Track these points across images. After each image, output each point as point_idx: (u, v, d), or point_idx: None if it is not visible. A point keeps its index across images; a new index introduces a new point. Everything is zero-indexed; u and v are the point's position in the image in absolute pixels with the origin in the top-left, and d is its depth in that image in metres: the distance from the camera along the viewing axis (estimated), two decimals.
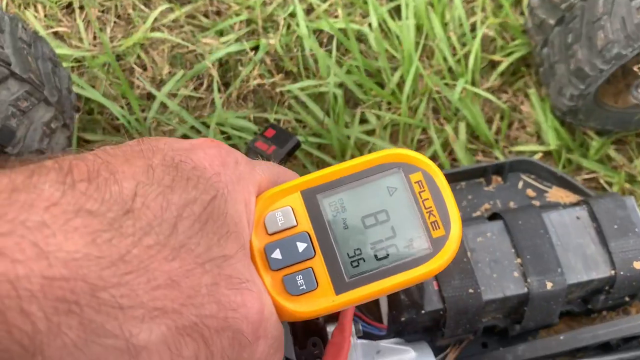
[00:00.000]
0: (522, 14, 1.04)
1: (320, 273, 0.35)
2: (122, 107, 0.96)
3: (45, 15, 1.03)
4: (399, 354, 0.61)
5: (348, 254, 0.36)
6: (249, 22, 1.04)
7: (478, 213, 0.79)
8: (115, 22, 1.04)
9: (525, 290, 0.62)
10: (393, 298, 0.64)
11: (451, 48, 1.01)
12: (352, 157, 0.92)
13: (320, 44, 1.02)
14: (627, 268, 0.63)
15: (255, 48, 1.01)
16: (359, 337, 0.61)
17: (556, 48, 0.86)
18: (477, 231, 0.65)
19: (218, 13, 1.06)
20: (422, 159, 0.37)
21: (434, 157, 0.94)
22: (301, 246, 0.36)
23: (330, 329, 0.61)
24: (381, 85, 0.99)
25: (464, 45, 1.02)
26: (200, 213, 0.30)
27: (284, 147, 0.76)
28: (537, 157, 0.93)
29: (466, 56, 1.00)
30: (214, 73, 0.98)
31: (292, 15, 1.03)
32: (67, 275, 0.23)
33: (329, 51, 1.01)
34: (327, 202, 0.37)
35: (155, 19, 1.03)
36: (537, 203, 0.79)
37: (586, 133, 0.95)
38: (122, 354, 0.25)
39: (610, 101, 0.90)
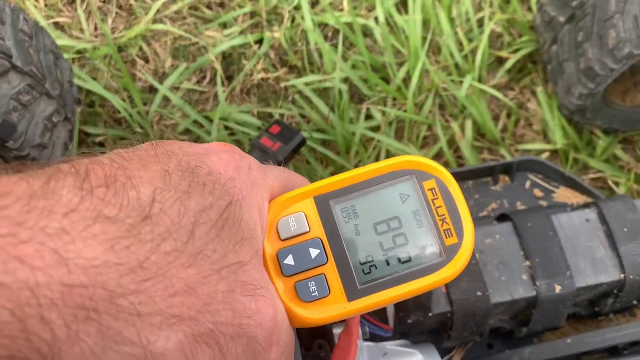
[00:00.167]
0: (529, 9, 1.03)
1: (333, 279, 0.35)
2: (123, 100, 0.94)
3: (46, 5, 1.01)
4: (405, 356, 0.60)
5: (360, 261, 0.36)
6: (252, 14, 1.02)
7: (485, 212, 0.78)
8: (116, 13, 1.02)
9: (534, 293, 0.62)
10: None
11: (458, 44, 0.99)
12: (357, 153, 0.91)
13: (325, 38, 1.01)
14: (637, 272, 0.62)
15: (259, 41, 1.00)
16: (365, 340, 0.60)
17: (565, 46, 0.85)
18: (485, 233, 0.64)
19: (221, 5, 1.04)
20: (435, 166, 0.37)
21: (439, 155, 0.93)
22: (314, 252, 0.35)
23: (336, 331, 0.61)
24: (386, 80, 0.97)
25: (470, 40, 1.00)
26: (217, 219, 0.30)
27: (289, 144, 0.75)
28: (544, 156, 0.92)
29: (473, 52, 0.99)
30: (218, 66, 0.96)
31: (297, 8, 1.02)
32: (86, 282, 0.23)
33: (334, 45, 1.00)
34: (340, 208, 0.36)
35: (158, 10, 1.01)
36: (544, 203, 0.78)
37: (593, 132, 0.94)
38: None
39: (618, 99, 0.89)
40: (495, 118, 0.96)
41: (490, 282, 0.62)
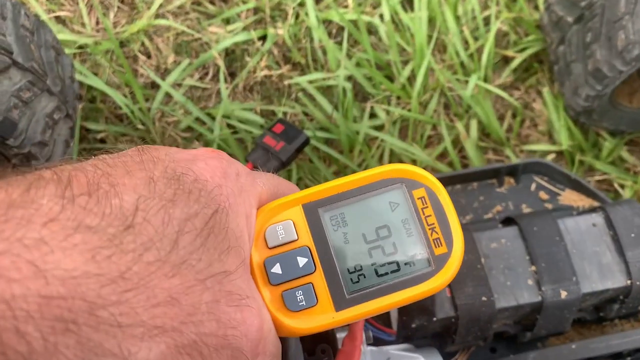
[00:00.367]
0: (536, 8, 1.01)
1: (320, 289, 0.35)
2: (125, 96, 0.93)
3: None
4: None
5: (349, 270, 0.35)
6: (256, 10, 1.01)
7: (490, 215, 0.77)
8: (118, 7, 1.01)
9: (539, 299, 0.61)
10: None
11: (463, 42, 0.98)
12: (361, 152, 0.90)
13: (329, 35, 1.00)
14: None
15: (263, 38, 0.99)
16: (369, 344, 0.59)
17: (573, 47, 0.84)
18: (491, 237, 0.63)
19: (224, 0, 1.03)
20: (425, 175, 0.37)
21: (444, 154, 0.92)
22: (302, 261, 0.35)
23: (340, 335, 0.60)
24: (391, 79, 0.96)
25: (476, 39, 0.99)
26: (202, 228, 0.29)
27: (293, 144, 0.75)
28: (549, 157, 0.91)
29: (479, 51, 0.98)
30: (221, 63, 0.95)
31: (301, 4, 1.00)
32: (64, 293, 0.23)
33: (338, 43, 0.99)
34: (329, 216, 0.36)
35: (160, 5, 1.00)
36: (549, 206, 0.77)
37: (599, 133, 0.93)
38: None
39: (624, 101, 0.89)
40: (500, 118, 0.95)
41: (495, 287, 0.61)
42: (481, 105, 0.92)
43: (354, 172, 0.83)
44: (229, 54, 0.98)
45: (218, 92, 0.96)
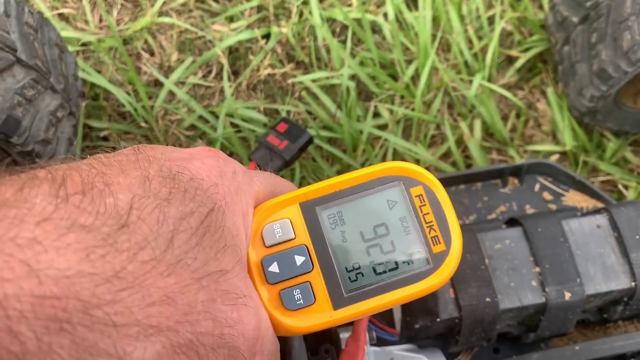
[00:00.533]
0: (540, 7, 1.01)
1: (318, 287, 0.35)
2: (128, 94, 0.93)
3: None
4: None
5: (346, 268, 0.35)
6: (260, 8, 1.01)
7: (493, 215, 0.77)
8: (122, 5, 1.01)
9: (543, 300, 0.61)
10: (407, 304, 0.63)
11: (468, 42, 0.98)
12: (364, 151, 0.90)
13: (333, 34, 0.99)
14: None
15: (266, 36, 0.98)
16: (372, 345, 0.59)
17: (578, 47, 0.84)
18: (495, 238, 0.63)
19: None
20: (423, 172, 0.37)
21: (447, 154, 0.92)
22: (299, 259, 0.35)
23: (343, 335, 0.60)
24: (394, 78, 0.96)
25: (480, 39, 0.99)
26: (198, 226, 0.29)
27: (297, 143, 0.74)
28: (553, 158, 0.91)
29: (483, 50, 0.97)
30: (224, 61, 0.95)
31: (305, 2, 1.00)
32: (58, 293, 0.23)
33: (342, 41, 0.98)
34: (326, 215, 0.36)
35: (164, 3, 1.00)
36: (553, 207, 0.77)
37: (603, 134, 0.92)
38: None
39: (629, 102, 0.88)
40: (504, 118, 0.95)
41: (499, 288, 0.61)
42: (485, 105, 0.92)
43: None
44: (233, 52, 0.98)
45: (221, 91, 0.95)
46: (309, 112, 0.94)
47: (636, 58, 0.73)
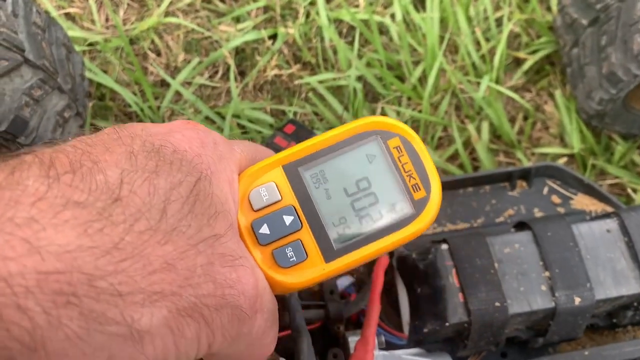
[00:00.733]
0: (549, 9, 1.01)
1: (309, 244, 0.36)
2: (135, 94, 0.93)
3: None
4: None
5: (334, 223, 0.37)
6: (266, 9, 1.00)
7: (501, 218, 0.77)
8: (128, 5, 1.01)
9: (553, 304, 0.60)
10: (416, 309, 0.63)
11: (475, 43, 0.98)
12: None
13: (340, 35, 0.99)
14: None
15: (273, 37, 0.98)
16: (381, 349, 0.59)
17: (587, 50, 0.83)
18: (504, 241, 0.63)
19: None
20: (398, 124, 0.38)
21: (454, 156, 0.91)
22: (288, 219, 0.36)
23: (352, 339, 0.60)
24: (402, 79, 0.96)
25: (488, 40, 0.98)
26: (188, 195, 0.30)
27: None
28: (561, 161, 0.91)
29: (491, 52, 0.97)
30: (231, 62, 0.95)
31: (312, 3, 1.00)
32: (61, 268, 0.23)
33: (349, 42, 0.98)
34: (309, 175, 0.37)
35: (170, 3, 0.99)
36: (562, 210, 0.77)
37: (611, 137, 0.92)
38: (125, 340, 0.25)
39: (638, 105, 0.88)
40: (512, 120, 0.94)
41: (508, 292, 0.60)
42: (493, 107, 0.91)
43: None
44: (239, 53, 0.97)
45: (228, 91, 0.95)
46: (316, 114, 0.93)
47: None
